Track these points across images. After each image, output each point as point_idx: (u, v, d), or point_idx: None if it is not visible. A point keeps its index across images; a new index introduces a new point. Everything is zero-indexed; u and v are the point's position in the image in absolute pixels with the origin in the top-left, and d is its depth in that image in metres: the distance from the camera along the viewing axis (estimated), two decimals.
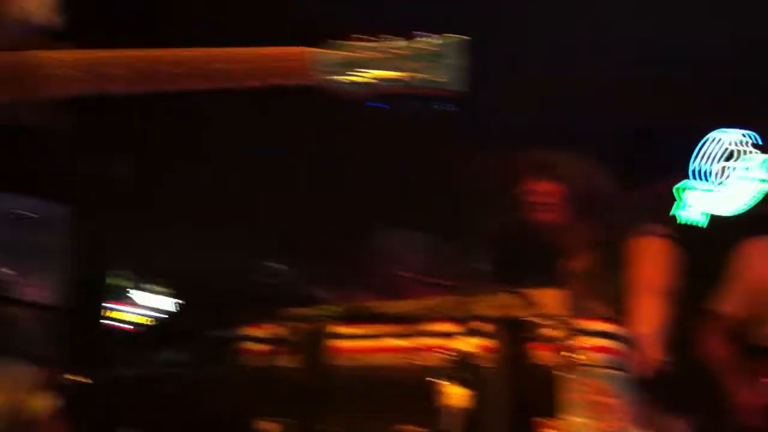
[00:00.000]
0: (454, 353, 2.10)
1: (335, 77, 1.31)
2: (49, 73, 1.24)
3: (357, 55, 1.32)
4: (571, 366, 2.04)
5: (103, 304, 4.63)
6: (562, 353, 2.05)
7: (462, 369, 2.07)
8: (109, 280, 4.66)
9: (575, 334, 2.07)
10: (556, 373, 2.05)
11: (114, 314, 4.66)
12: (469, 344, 2.10)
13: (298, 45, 1.33)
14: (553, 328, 2.06)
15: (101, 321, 4.60)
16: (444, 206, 4.82)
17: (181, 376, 2.82)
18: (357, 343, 2.37)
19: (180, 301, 4.88)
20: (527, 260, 3.12)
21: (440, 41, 1.37)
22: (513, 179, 2.86)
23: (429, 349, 2.18)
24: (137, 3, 3.85)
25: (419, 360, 2.20)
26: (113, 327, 4.71)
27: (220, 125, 4.37)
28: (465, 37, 1.39)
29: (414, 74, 1.32)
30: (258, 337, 2.67)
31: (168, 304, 4.88)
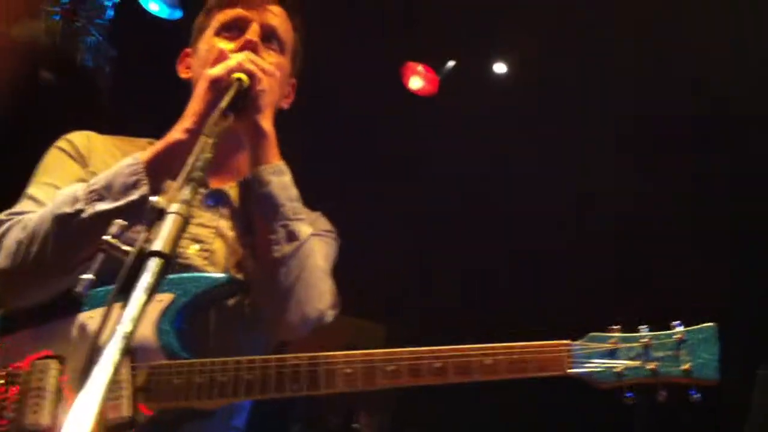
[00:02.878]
0: None
1: (588, 368, 1.43)
2: (332, 371, 1.40)
3: (608, 345, 1.43)
4: None
5: None
6: None
7: None
8: None
9: None
10: None
11: None
12: None
13: (554, 338, 1.43)
14: None
15: None
16: None
17: None
18: None
19: None
20: None
21: (686, 330, 1.44)
22: None
23: None
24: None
25: None
26: None
27: None
28: (714, 325, 1.45)
29: (660, 363, 1.40)
30: None
31: None
